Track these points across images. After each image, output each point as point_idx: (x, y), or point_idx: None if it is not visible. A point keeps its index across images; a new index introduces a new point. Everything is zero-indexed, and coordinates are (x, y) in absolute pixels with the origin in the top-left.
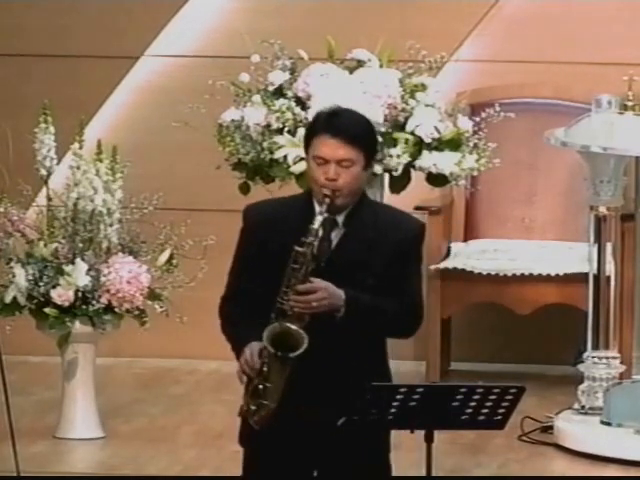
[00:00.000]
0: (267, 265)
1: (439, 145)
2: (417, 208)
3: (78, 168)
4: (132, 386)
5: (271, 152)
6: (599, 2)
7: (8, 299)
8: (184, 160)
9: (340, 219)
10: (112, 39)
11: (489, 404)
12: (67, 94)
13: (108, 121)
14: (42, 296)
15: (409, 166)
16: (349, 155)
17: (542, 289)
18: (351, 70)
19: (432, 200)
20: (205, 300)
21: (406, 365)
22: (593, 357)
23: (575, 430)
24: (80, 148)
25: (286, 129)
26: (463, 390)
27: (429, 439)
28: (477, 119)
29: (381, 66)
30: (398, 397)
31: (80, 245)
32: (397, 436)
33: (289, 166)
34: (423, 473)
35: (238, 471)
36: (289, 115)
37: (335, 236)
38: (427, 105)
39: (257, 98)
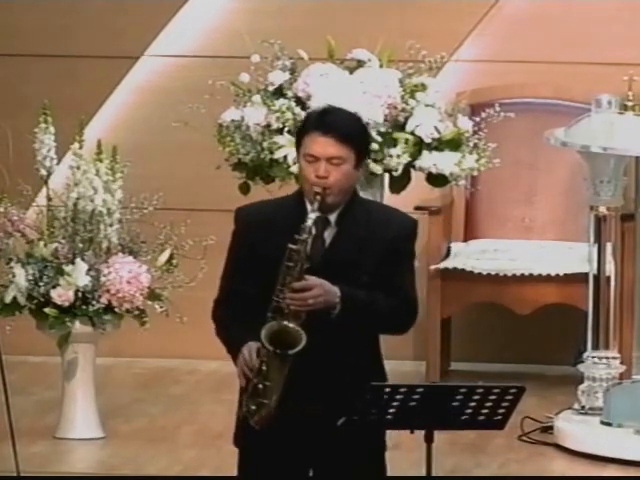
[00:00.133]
0: (259, 266)
1: (439, 145)
2: (417, 208)
3: (78, 168)
4: (132, 386)
5: (271, 152)
6: (599, 2)
7: (8, 299)
8: (184, 160)
9: (332, 218)
10: (112, 39)
11: (489, 404)
12: (67, 94)
13: (108, 121)
14: (42, 296)
15: (409, 166)
16: (339, 153)
17: (542, 289)
18: (351, 70)
19: (432, 200)
20: (205, 300)
21: (406, 365)
22: (593, 357)
23: (575, 430)
24: (80, 148)
25: (286, 129)
26: (463, 390)
27: (429, 439)
28: (477, 119)
29: (381, 66)
30: (398, 397)
31: (80, 245)
32: (397, 436)
33: (289, 166)
34: (423, 473)
35: None
36: (289, 115)
37: (328, 235)
38: (427, 105)
39: (257, 98)
